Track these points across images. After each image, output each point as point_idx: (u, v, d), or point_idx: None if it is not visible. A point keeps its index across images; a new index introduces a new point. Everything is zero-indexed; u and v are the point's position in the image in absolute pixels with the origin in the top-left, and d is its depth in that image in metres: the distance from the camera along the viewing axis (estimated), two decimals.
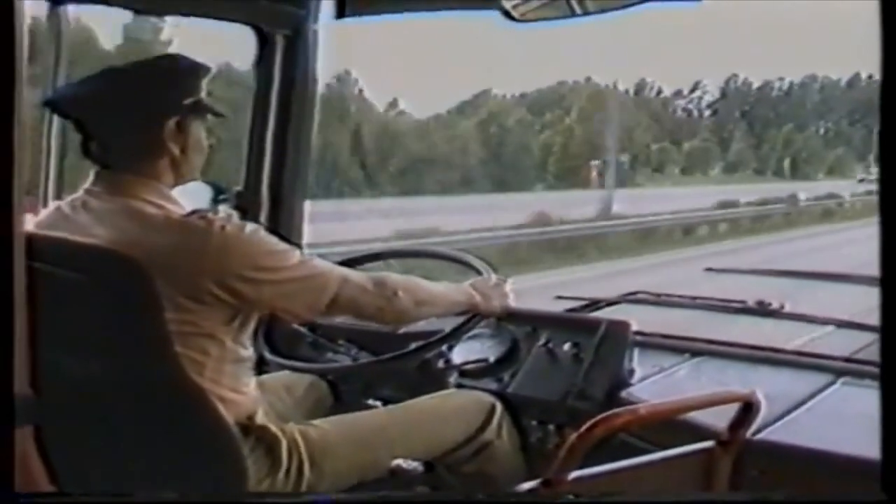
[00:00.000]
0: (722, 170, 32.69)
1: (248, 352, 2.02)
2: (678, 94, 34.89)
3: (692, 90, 34.78)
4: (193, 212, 1.90)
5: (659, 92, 35.07)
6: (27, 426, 1.47)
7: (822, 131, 34.16)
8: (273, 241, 1.95)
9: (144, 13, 2.44)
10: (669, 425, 1.87)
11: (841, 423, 2.03)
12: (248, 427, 1.97)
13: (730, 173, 32.00)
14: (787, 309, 2.70)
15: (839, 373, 2.30)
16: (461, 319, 2.28)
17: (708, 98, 34.70)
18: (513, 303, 2.33)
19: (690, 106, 35.29)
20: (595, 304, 2.86)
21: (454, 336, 2.31)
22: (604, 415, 1.62)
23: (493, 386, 2.40)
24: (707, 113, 35.10)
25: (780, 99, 34.73)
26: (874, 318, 1.29)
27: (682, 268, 11.15)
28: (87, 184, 1.96)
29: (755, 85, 34.90)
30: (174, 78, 1.96)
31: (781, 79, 34.63)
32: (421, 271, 2.39)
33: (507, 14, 2.37)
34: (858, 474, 1.67)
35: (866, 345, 2.36)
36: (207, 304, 1.87)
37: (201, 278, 1.85)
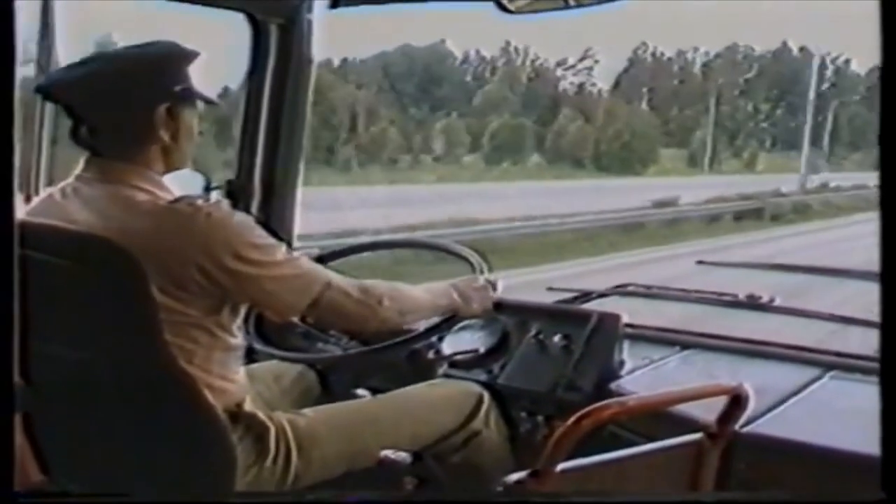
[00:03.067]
0: (539, 159, 26.22)
1: (238, 340, 2.01)
2: (562, 63, 29.15)
3: (581, 59, 29.06)
4: (182, 198, 1.89)
5: (534, 60, 29.20)
6: (16, 414, 1.47)
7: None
8: (259, 233, 1.93)
9: None
10: (658, 417, 1.88)
11: (829, 416, 2.04)
12: (237, 415, 1.97)
13: (552, 163, 25.64)
14: (778, 303, 2.71)
15: (828, 366, 2.31)
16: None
17: (605, 71, 29.19)
18: (492, 304, 2.30)
19: (576, 79, 29.30)
20: (586, 296, 2.85)
21: (435, 331, 2.30)
22: (593, 406, 1.62)
23: (483, 377, 2.40)
24: (602, 88, 29.19)
25: (689, 73, 29.59)
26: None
27: None
28: (77, 170, 1.95)
29: (667, 55, 29.67)
30: (164, 64, 1.95)
31: (696, 49, 29.51)
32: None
33: (501, 6, 2.37)
34: (846, 468, 1.68)
35: None
36: (192, 292, 1.86)
37: (184, 264, 1.84)
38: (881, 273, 1.26)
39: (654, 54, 29.86)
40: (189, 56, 1.97)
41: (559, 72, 29.36)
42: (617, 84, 29.27)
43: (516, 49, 28.85)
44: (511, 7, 2.37)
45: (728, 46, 29.66)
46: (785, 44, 29.00)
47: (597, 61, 29.26)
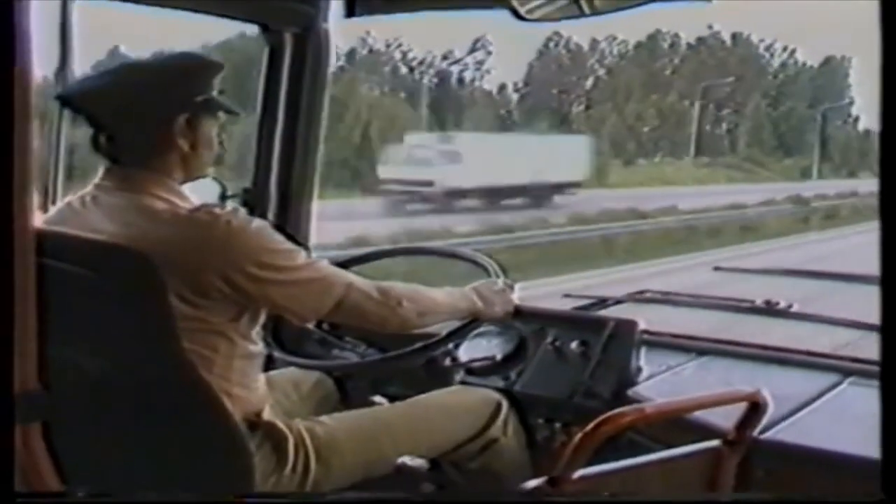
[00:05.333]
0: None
1: (258, 347, 2.02)
2: (447, 56, 25.42)
3: (471, 51, 25.43)
4: (200, 206, 1.90)
5: (405, 53, 25.55)
6: (36, 422, 1.48)
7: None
8: (279, 239, 1.94)
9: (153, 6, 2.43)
10: (676, 424, 1.88)
11: (848, 423, 2.03)
12: (256, 423, 1.97)
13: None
14: (796, 309, 2.70)
15: (847, 373, 2.30)
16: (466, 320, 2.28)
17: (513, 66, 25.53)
18: (512, 307, 2.31)
19: (466, 74, 25.60)
20: (603, 303, 2.85)
21: (457, 336, 2.30)
22: (610, 413, 1.62)
23: (500, 384, 2.40)
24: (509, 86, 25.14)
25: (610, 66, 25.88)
26: None
27: None
28: (96, 179, 1.96)
29: (585, 48, 26.23)
30: (186, 74, 1.96)
31: (613, 38, 26.41)
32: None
33: (515, 13, 2.37)
34: (864, 474, 1.67)
35: None
36: (213, 299, 1.87)
37: (206, 272, 1.85)
38: (881, 276, 1.25)
39: (567, 46, 26.40)
40: (211, 66, 1.98)
41: (443, 66, 25.61)
42: (525, 83, 25.61)
43: (388, 42, 25.11)
44: (525, 14, 2.37)
45: (650, 35, 26.62)
46: (715, 31, 25.97)
47: (489, 53, 25.93)
